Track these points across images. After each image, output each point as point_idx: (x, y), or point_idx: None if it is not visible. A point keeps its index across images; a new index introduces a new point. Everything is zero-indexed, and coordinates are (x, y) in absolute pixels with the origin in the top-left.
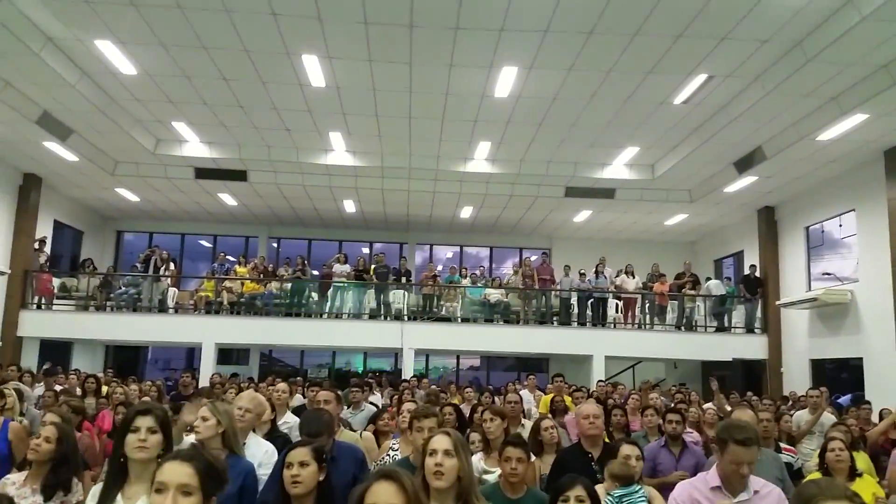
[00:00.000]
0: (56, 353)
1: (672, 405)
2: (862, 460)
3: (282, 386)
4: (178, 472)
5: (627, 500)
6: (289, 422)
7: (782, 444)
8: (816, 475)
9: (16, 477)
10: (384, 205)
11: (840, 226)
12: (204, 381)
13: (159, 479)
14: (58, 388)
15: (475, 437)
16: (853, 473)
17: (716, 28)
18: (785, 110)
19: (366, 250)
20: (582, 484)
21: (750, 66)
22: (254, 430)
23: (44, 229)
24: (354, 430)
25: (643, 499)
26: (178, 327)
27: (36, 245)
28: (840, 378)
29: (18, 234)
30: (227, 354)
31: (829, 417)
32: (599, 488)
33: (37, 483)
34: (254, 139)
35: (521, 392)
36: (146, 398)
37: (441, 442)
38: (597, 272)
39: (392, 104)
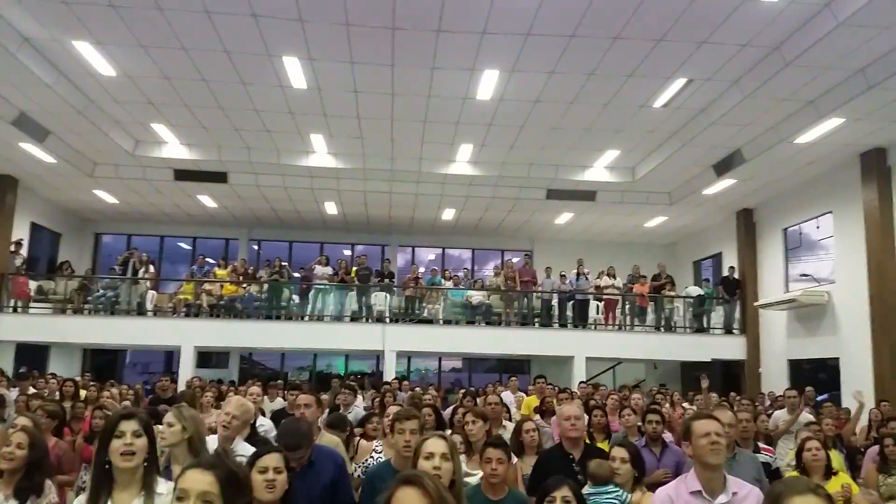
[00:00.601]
0: (33, 356)
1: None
2: (836, 459)
3: (254, 389)
4: (199, 481)
5: (594, 500)
6: (263, 425)
7: (760, 444)
8: (794, 474)
9: None
10: (366, 206)
11: (817, 227)
12: (182, 385)
13: (180, 487)
14: (32, 391)
15: (456, 439)
16: (829, 472)
17: (695, 32)
18: (763, 114)
19: (347, 252)
20: (568, 485)
21: (729, 70)
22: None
23: (20, 231)
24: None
25: (615, 500)
26: (156, 330)
27: (12, 247)
28: (817, 378)
29: None
30: (206, 358)
31: (807, 417)
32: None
33: (9, 489)
34: (234, 141)
35: (503, 394)
36: (125, 402)
37: (438, 446)
38: (578, 274)
39: (374, 106)
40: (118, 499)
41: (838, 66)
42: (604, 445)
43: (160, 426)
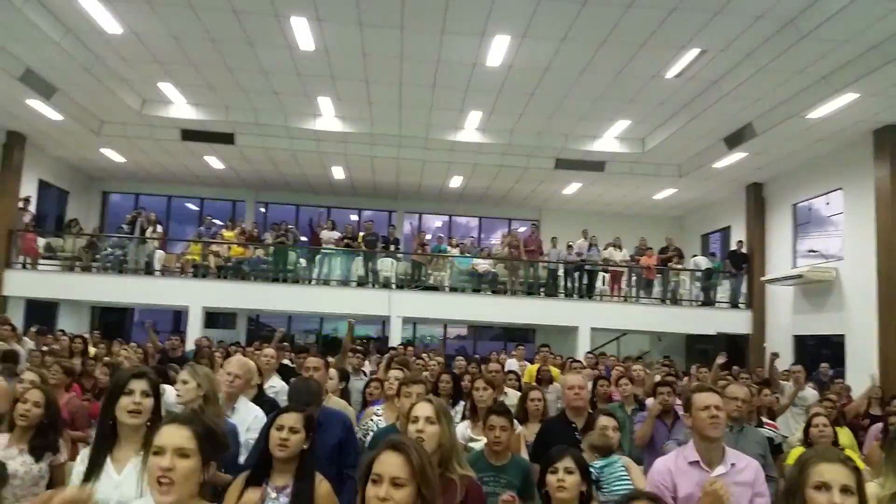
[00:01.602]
0: (42, 313)
1: (662, 377)
2: (845, 435)
3: (269, 351)
4: (175, 435)
5: (609, 471)
6: (275, 386)
7: (764, 419)
8: (800, 450)
9: (1, 438)
10: (373, 172)
11: (827, 204)
12: (191, 345)
13: (157, 443)
14: (45, 348)
15: (462, 404)
16: (836, 447)
17: (710, 2)
18: (776, 87)
19: (354, 217)
20: (571, 455)
21: (743, 42)
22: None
23: (28, 188)
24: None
25: (623, 468)
26: (164, 290)
27: (20, 204)
28: (822, 354)
29: (2, 194)
30: (213, 318)
31: (810, 392)
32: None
33: (23, 444)
34: (241, 102)
35: (508, 361)
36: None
37: (422, 409)
38: (590, 244)
39: (382, 70)
40: (118, 455)
41: (854, 40)
42: None
43: (167, 385)
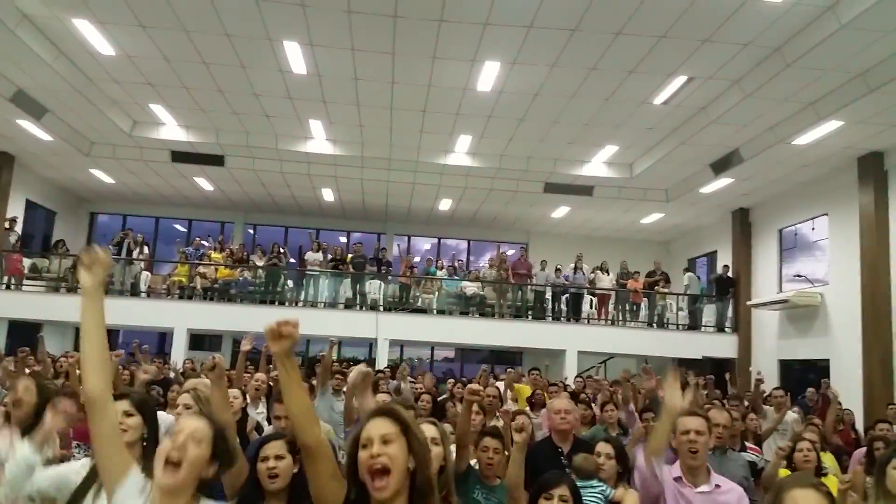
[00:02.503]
0: (25, 334)
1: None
2: (829, 460)
3: (260, 376)
4: (192, 422)
5: (581, 493)
6: (262, 412)
7: (747, 444)
8: (784, 472)
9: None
10: (363, 194)
11: (813, 229)
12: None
13: (175, 428)
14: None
15: (448, 427)
16: (819, 473)
17: (698, 30)
18: (763, 114)
19: (343, 239)
20: (567, 484)
21: (730, 70)
22: None
23: (15, 208)
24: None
25: (599, 496)
26: (150, 311)
27: (7, 224)
28: (807, 379)
29: None
30: (199, 340)
31: (791, 416)
32: None
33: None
34: (232, 124)
35: (500, 385)
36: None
37: (427, 430)
38: (575, 268)
39: (374, 94)
40: None
41: (839, 68)
42: None
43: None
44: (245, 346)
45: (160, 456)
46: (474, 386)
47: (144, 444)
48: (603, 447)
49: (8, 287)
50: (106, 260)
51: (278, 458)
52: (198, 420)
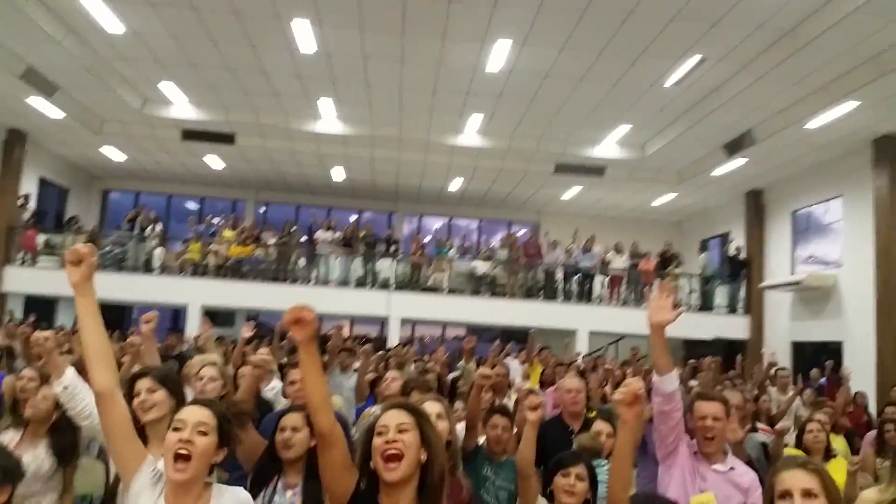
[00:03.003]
0: (41, 309)
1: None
2: (840, 443)
3: (263, 351)
4: (196, 412)
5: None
6: (274, 387)
7: (760, 425)
8: (794, 451)
9: (10, 435)
10: (373, 174)
11: (826, 211)
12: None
13: (177, 418)
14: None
15: (459, 405)
16: (829, 455)
17: (710, 11)
18: (775, 96)
19: (354, 218)
20: (585, 462)
21: (742, 51)
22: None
23: (28, 186)
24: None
25: (607, 473)
26: (163, 288)
27: (20, 201)
28: (820, 361)
29: (3, 190)
30: (212, 317)
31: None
32: None
33: (36, 440)
34: (242, 103)
35: (511, 362)
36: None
37: (431, 407)
38: (586, 249)
39: (383, 73)
40: (154, 452)
41: (852, 51)
42: None
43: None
44: (245, 332)
45: (168, 450)
46: (486, 370)
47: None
48: (602, 426)
49: (23, 263)
50: (91, 255)
51: (294, 429)
52: (200, 409)
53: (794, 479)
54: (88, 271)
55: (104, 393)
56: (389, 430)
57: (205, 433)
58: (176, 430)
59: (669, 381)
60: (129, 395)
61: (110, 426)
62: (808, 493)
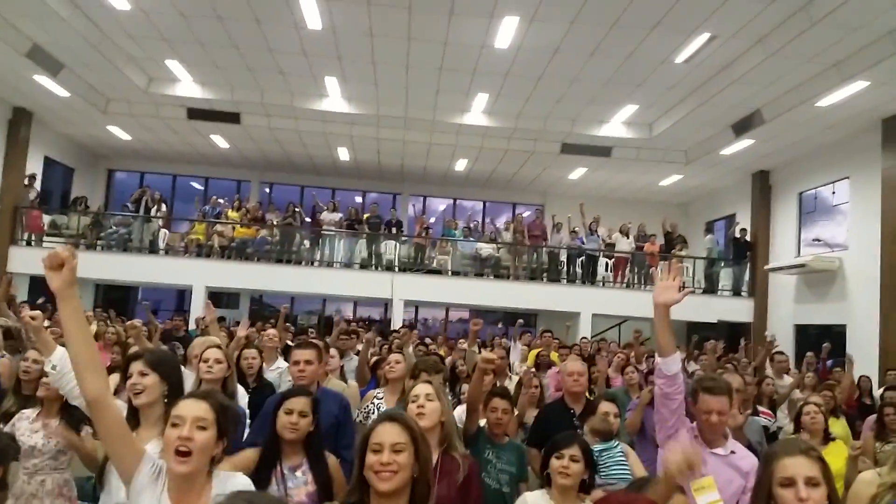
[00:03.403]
0: (46, 290)
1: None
2: (840, 426)
3: (272, 332)
4: (193, 407)
5: (607, 455)
6: (280, 367)
7: (760, 408)
8: (792, 436)
9: (30, 412)
10: (378, 154)
11: (833, 193)
12: (193, 325)
13: (175, 414)
14: (47, 324)
15: (465, 388)
16: (827, 438)
17: None
18: (786, 74)
19: (359, 199)
20: (578, 443)
21: (754, 28)
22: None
23: (34, 165)
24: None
25: (621, 453)
26: (168, 269)
27: (26, 181)
28: (823, 344)
29: (8, 170)
30: (217, 298)
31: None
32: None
33: (49, 419)
34: (248, 81)
35: (515, 345)
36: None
37: (422, 388)
38: (590, 230)
39: (389, 51)
40: (143, 434)
41: (866, 27)
42: None
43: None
44: (241, 331)
45: (168, 446)
46: (489, 355)
47: (166, 401)
48: (609, 406)
49: (28, 243)
50: (72, 259)
51: (302, 414)
52: (198, 403)
53: (798, 467)
54: (70, 276)
55: (95, 400)
56: (384, 451)
57: (204, 427)
58: (174, 426)
59: (672, 363)
60: (124, 375)
61: (105, 430)
62: (811, 481)
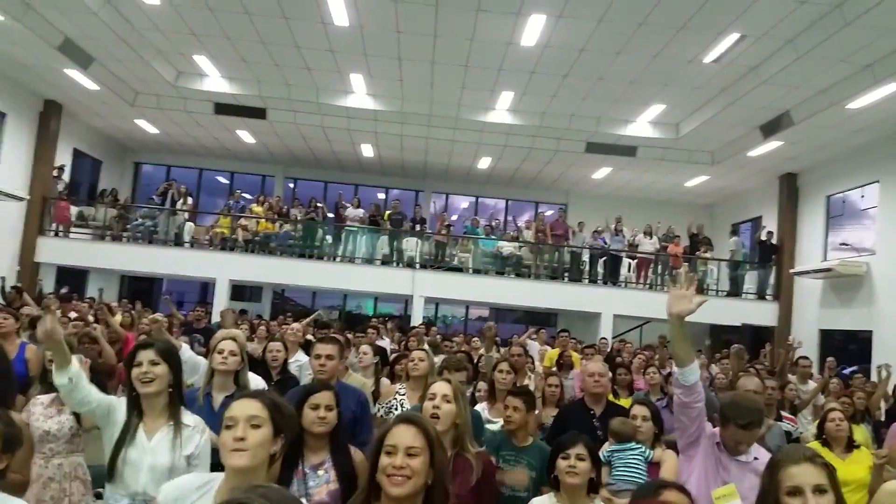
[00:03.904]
0: (72, 280)
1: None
2: (860, 433)
3: (295, 325)
4: (246, 406)
5: (618, 456)
6: (300, 360)
7: (784, 413)
8: (815, 444)
9: (44, 398)
10: (402, 151)
11: (862, 196)
12: (217, 317)
13: (228, 415)
14: (73, 315)
15: (482, 386)
16: (851, 445)
17: None
18: (816, 75)
19: (381, 195)
20: (583, 442)
21: (784, 28)
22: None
23: (63, 157)
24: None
25: (639, 457)
26: (192, 261)
27: (55, 172)
28: (847, 349)
29: (38, 161)
30: (240, 291)
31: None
32: (606, 446)
33: (62, 404)
34: (274, 77)
35: (531, 344)
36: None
37: (440, 387)
38: (616, 231)
39: (415, 48)
40: (150, 424)
41: None
42: (626, 402)
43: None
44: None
45: (225, 448)
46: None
47: (171, 391)
48: (639, 409)
49: (56, 234)
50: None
51: (328, 408)
52: (249, 402)
53: (805, 475)
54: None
55: None
56: (398, 454)
57: (258, 426)
58: (228, 427)
59: (690, 373)
60: (131, 363)
61: None
62: (819, 489)
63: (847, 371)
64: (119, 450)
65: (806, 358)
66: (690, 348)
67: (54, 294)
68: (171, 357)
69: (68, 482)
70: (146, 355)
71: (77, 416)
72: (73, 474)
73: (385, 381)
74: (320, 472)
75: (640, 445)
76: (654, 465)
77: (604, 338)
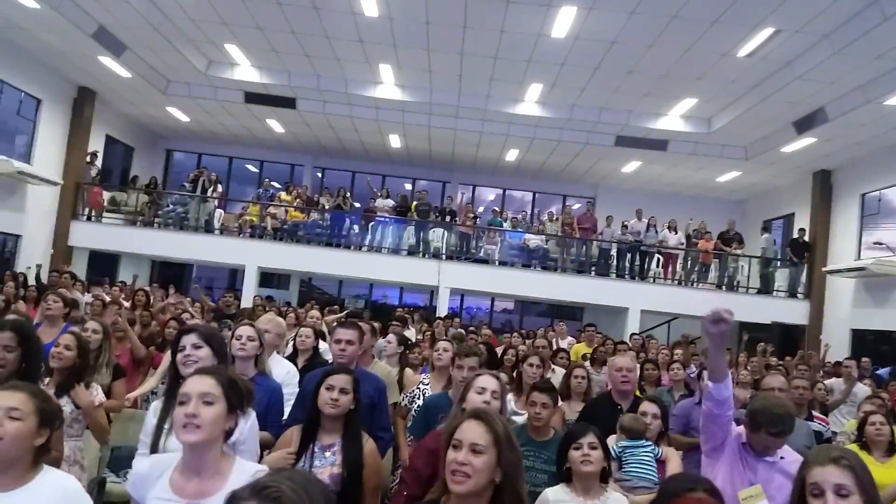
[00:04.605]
0: (104, 264)
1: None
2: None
3: (314, 313)
4: (199, 383)
5: (630, 452)
6: (321, 347)
7: (815, 413)
8: (854, 447)
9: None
10: (430, 142)
11: None
12: (246, 303)
13: (182, 391)
14: (106, 297)
15: (505, 377)
16: (892, 448)
17: None
18: (853, 71)
19: (408, 186)
20: (593, 431)
21: (821, 22)
22: (277, 352)
23: (96, 143)
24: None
25: (650, 455)
26: (222, 248)
27: (88, 158)
28: (880, 350)
29: (71, 147)
30: (268, 278)
31: (862, 388)
32: (611, 439)
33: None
34: (304, 67)
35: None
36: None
37: (489, 382)
38: (648, 225)
39: (445, 39)
40: None
41: None
42: None
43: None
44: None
45: (177, 423)
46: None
47: None
48: (648, 407)
49: (89, 218)
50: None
51: (343, 391)
52: (203, 379)
53: (827, 475)
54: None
55: None
56: (462, 449)
57: (210, 402)
58: (182, 403)
59: (724, 388)
60: (175, 348)
61: None
62: (841, 490)
63: (881, 372)
64: (159, 435)
65: (849, 358)
66: (726, 364)
67: (89, 281)
68: (214, 340)
69: (67, 466)
70: (189, 339)
71: (58, 395)
72: (72, 458)
73: (409, 371)
74: (327, 454)
75: (650, 443)
76: (660, 463)
77: (634, 333)
